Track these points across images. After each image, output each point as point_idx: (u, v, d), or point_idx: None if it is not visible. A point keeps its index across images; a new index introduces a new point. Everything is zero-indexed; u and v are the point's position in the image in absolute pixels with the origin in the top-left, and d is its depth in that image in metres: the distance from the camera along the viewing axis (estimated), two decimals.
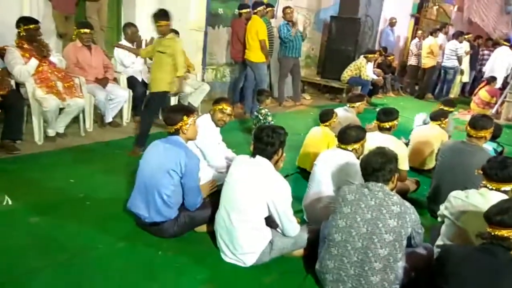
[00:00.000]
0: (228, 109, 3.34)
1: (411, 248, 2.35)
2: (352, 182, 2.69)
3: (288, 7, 6.87)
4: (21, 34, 4.06)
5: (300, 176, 3.97)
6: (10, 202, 2.95)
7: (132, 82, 5.21)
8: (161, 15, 4.00)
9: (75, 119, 4.49)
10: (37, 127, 4.11)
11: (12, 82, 4.02)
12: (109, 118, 4.92)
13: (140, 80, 5.29)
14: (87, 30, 4.71)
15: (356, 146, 2.99)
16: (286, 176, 2.48)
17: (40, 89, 4.05)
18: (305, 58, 8.80)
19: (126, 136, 4.75)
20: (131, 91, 5.10)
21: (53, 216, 2.86)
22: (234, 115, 3.58)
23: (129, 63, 5.24)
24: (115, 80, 5.11)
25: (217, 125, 3.41)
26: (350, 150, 2.98)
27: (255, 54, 5.95)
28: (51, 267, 2.33)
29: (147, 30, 5.99)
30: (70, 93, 4.22)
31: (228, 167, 3.28)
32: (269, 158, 2.47)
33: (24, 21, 4.13)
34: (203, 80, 6.47)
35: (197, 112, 3.00)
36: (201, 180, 2.95)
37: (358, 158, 2.84)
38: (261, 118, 4.66)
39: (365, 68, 7.81)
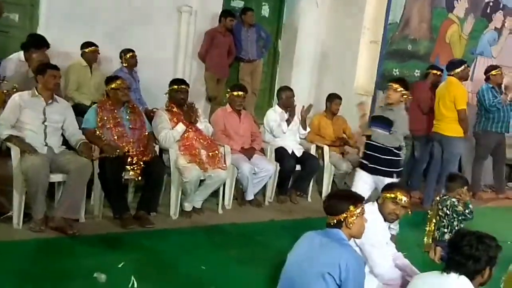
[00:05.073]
0: (403, 199, 3.17)
1: None
2: None
3: (495, 66, 6.54)
4: (171, 96, 4.73)
5: None
6: (135, 285, 3.20)
7: (280, 154, 5.45)
8: None
9: (213, 194, 4.83)
10: (174, 199, 4.54)
11: (156, 148, 4.62)
12: (250, 195, 5.16)
13: (290, 152, 5.52)
14: (241, 93, 5.21)
15: None
16: None
17: (183, 157, 4.52)
18: None
19: (267, 219, 4.88)
20: (278, 164, 5.34)
21: None
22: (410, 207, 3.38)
23: (279, 133, 5.54)
24: (262, 151, 5.43)
25: (386, 219, 3.26)
26: None
27: (450, 127, 5.67)
28: None
29: (304, 95, 6.40)
30: (213, 163, 4.59)
31: (400, 278, 3.12)
32: (470, 277, 2.19)
33: (173, 82, 4.82)
34: None
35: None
36: None
37: None
38: (448, 212, 4.29)
39: None
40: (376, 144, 4.40)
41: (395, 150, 4.40)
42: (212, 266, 3.63)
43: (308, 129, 5.74)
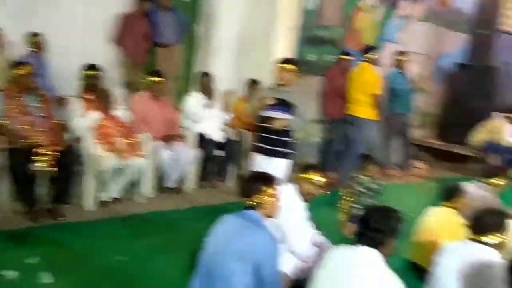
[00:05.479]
0: (319, 179, 3.26)
1: None
2: None
3: (402, 52, 6.91)
4: (84, 82, 4.53)
5: (411, 275, 3.64)
6: (47, 281, 3.08)
7: (201, 140, 5.44)
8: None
9: (133, 183, 4.70)
10: (89, 190, 4.37)
11: (70, 137, 4.38)
12: (171, 183, 5.10)
13: (211, 138, 5.50)
14: (159, 79, 5.10)
15: (496, 238, 2.73)
16: None
17: (98, 146, 4.37)
18: (420, 116, 8.67)
19: (189, 206, 4.86)
20: (200, 151, 5.31)
21: None
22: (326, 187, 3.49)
23: (199, 118, 5.50)
24: (183, 137, 5.36)
25: (303, 199, 3.32)
26: (488, 245, 2.72)
27: (364, 110, 5.92)
28: None
29: (223, 80, 6.37)
30: (132, 151, 4.48)
31: (316, 255, 3.21)
32: (378, 248, 2.33)
33: (85, 68, 4.62)
34: None
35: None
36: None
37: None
38: (361, 189, 4.53)
39: (504, 131, 7.33)
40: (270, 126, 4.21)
41: (289, 132, 4.28)
42: (131, 256, 3.57)
43: (231, 115, 5.76)
